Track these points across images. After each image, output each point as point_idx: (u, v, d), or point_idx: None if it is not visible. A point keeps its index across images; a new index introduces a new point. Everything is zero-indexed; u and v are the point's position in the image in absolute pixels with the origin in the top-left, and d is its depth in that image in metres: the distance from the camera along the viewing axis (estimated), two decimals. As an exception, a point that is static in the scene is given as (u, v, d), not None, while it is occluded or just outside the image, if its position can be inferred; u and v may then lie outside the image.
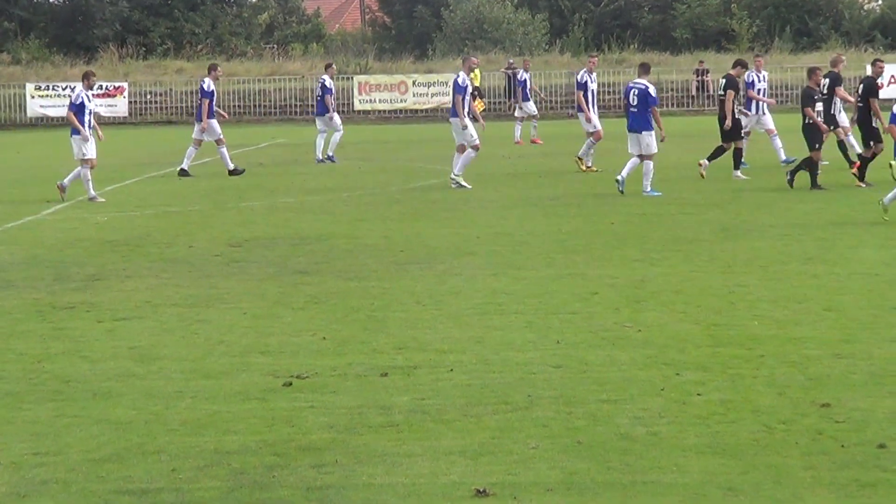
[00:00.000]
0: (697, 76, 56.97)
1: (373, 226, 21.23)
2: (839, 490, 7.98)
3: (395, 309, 14.02)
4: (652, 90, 25.12)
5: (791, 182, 24.96)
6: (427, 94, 59.36)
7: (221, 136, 31.72)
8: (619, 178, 24.92)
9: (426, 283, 15.64)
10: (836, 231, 19.34)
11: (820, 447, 8.84)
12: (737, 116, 27.68)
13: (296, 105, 60.09)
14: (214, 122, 31.59)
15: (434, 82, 59.42)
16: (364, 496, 8.02)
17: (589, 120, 30.87)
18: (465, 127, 27.14)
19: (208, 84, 31.90)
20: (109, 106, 59.28)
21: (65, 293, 15.46)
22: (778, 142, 30.09)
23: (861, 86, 26.01)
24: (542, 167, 32.25)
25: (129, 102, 60.37)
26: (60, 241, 20.22)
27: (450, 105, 28.68)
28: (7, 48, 72.89)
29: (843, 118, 28.07)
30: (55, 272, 17.08)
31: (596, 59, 34.93)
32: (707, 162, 27.38)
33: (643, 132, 24.85)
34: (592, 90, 31.74)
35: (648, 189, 24.61)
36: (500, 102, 58.41)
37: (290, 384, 10.78)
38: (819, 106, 25.06)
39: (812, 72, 25.77)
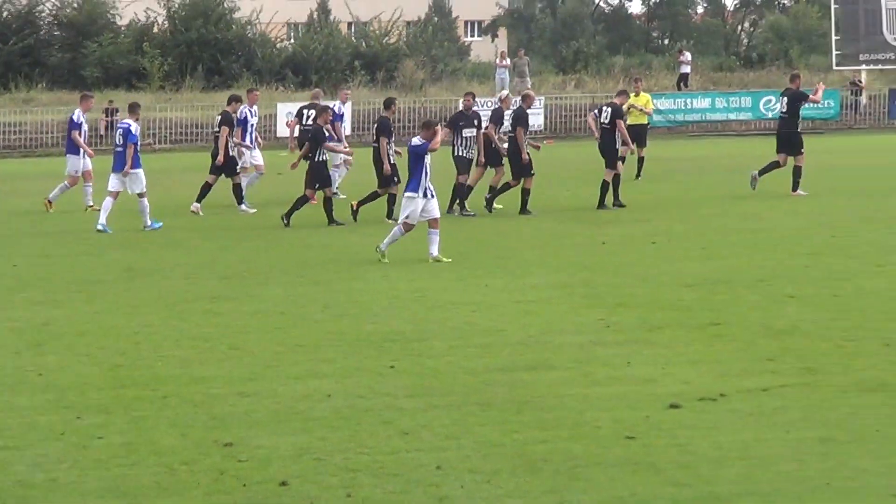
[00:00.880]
0: (107, 116, 56.50)
1: None
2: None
3: None
4: (133, 128, 24.24)
5: (287, 219, 24.09)
6: None
7: None
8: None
9: None
10: (242, 269, 19.18)
11: (222, 486, 8.84)
12: (231, 153, 26.61)
13: None
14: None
15: None
16: None
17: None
18: None
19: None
20: None
21: None
22: (255, 181, 28.68)
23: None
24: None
25: None
26: None
27: None
28: None
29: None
30: None
31: None
32: (199, 205, 26.23)
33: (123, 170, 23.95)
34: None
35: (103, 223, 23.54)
36: None
37: None
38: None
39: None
